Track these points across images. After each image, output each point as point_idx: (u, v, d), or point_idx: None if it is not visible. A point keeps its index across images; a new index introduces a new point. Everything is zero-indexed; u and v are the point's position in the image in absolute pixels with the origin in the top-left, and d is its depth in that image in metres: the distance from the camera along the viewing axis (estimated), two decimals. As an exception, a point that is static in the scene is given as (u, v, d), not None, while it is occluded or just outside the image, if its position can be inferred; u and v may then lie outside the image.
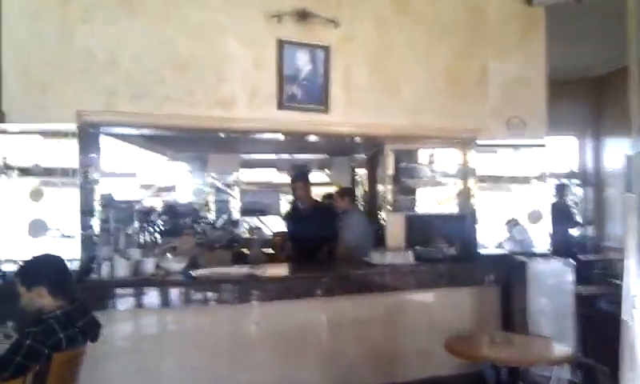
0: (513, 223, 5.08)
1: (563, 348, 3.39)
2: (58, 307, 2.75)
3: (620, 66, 7.23)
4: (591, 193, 9.40)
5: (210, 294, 4.16)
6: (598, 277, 7.28)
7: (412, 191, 5.62)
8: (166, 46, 4.23)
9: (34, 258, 2.90)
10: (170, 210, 7.53)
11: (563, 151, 9.49)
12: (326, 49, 4.57)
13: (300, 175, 5.78)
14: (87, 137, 4.19)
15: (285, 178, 10.64)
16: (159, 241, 6.28)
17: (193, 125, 4.41)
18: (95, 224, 4.36)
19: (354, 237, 5.60)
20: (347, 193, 6.28)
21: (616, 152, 8.58)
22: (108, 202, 4.69)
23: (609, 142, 9.07)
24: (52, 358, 2.59)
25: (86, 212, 4.12)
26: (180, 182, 9.31)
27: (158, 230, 6.65)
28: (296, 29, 4.50)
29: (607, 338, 3.90)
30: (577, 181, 9.58)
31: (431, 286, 4.84)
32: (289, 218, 6.18)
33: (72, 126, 3.98)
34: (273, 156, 8.99)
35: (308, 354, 4.42)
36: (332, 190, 9.06)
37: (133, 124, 4.36)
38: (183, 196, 9.12)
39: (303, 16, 4.45)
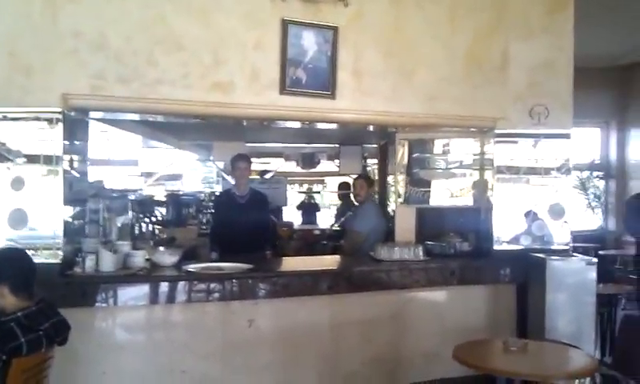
0: (532, 216, 4.73)
1: (587, 358, 3.03)
2: (20, 308, 2.48)
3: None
4: (614, 185, 9.08)
5: (203, 291, 3.86)
6: (618, 273, 6.97)
7: (424, 183, 5.29)
8: (159, 25, 3.92)
9: (-6, 252, 2.64)
10: (173, 199, 7.26)
11: (585, 142, 9.14)
12: (334, 29, 4.23)
13: (244, 158, 5.14)
14: (73, 122, 3.90)
15: (292, 167, 10.42)
16: (157, 232, 6.02)
17: (187, 110, 4.10)
18: (82, 215, 4.08)
19: (368, 229, 5.32)
20: (368, 180, 5.95)
21: (642, 143, 8.24)
22: (98, 190, 4.41)
23: (634, 133, 8.72)
24: (10, 364, 2.32)
25: (71, 201, 3.85)
26: (185, 170, 9.07)
27: (156, 220, 6.38)
28: (302, 7, 4.17)
29: (632, 343, 3.59)
30: (599, 173, 9.25)
31: (442, 284, 4.53)
32: (221, 205, 5.52)
33: (56, 111, 3.70)
34: (280, 145, 8.71)
35: (308, 355, 4.14)
36: (345, 179, 8.84)
37: (122, 108, 4.05)
38: (188, 185, 8.88)
39: (310, -7, 4.11)
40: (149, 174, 8.69)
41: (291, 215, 10.46)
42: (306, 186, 15.25)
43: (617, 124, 9.00)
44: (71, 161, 3.88)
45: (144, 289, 3.76)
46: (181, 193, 8.11)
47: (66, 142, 3.77)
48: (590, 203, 9.28)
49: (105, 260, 3.77)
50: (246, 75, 4.11)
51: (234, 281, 3.92)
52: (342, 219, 8.13)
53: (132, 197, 5.85)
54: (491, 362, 2.90)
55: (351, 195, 7.34)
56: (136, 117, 4.57)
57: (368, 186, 5.77)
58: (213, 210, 6.64)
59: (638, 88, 8.44)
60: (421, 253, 4.56)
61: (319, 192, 16.25)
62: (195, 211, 7.47)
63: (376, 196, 6.95)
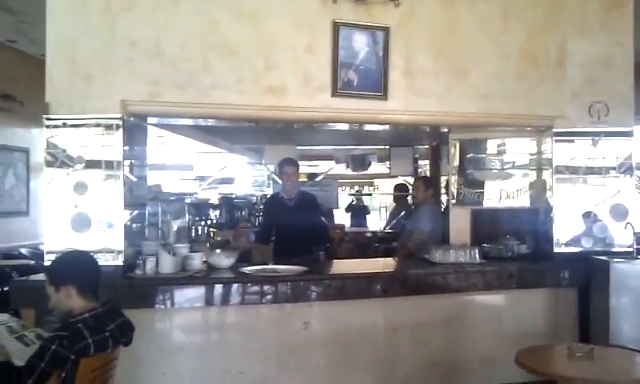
0: (592, 218, 4.56)
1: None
2: (88, 310, 2.56)
3: None
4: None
5: (259, 293, 3.91)
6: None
7: (479, 184, 5.16)
8: (212, 32, 3.98)
9: (62, 255, 2.75)
10: (226, 202, 7.38)
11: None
12: (386, 30, 4.19)
13: (292, 162, 5.11)
14: (132, 127, 4.02)
15: (343, 170, 10.39)
16: (213, 235, 6.12)
17: (241, 114, 4.15)
18: (141, 218, 4.20)
19: (430, 230, 5.28)
20: (428, 182, 5.90)
21: None
22: (156, 194, 4.53)
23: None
24: (79, 364, 2.40)
25: (131, 205, 3.95)
26: (237, 174, 9.19)
27: (211, 223, 6.49)
28: (352, 8, 4.14)
29: None
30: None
31: (499, 288, 4.43)
32: (270, 209, 5.47)
33: (116, 117, 3.81)
34: (331, 147, 8.71)
35: (362, 358, 4.11)
36: (400, 180, 8.75)
37: (178, 114, 4.16)
38: (240, 188, 9.00)
39: (361, -6, 4.09)
40: (202, 178, 8.85)
41: (340, 218, 10.44)
42: (355, 189, 15.19)
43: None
44: (131, 165, 3.99)
45: (201, 291, 3.83)
46: (233, 196, 8.23)
47: (126, 148, 3.87)
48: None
49: (164, 262, 3.85)
50: (298, 78, 4.12)
51: (288, 283, 3.95)
52: (394, 221, 8.06)
53: (188, 200, 5.97)
54: (556, 368, 2.79)
55: (409, 197, 7.27)
56: (191, 122, 4.66)
57: (427, 187, 5.74)
58: (262, 213, 6.69)
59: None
60: (477, 255, 4.46)
61: (370, 194, 16.16)
62: (247, 214, 7.56)
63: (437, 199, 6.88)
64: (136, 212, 4.11)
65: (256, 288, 3.89)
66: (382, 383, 4.12)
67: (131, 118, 3.96)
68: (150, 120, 4.39)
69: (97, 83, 3.81)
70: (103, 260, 3.63)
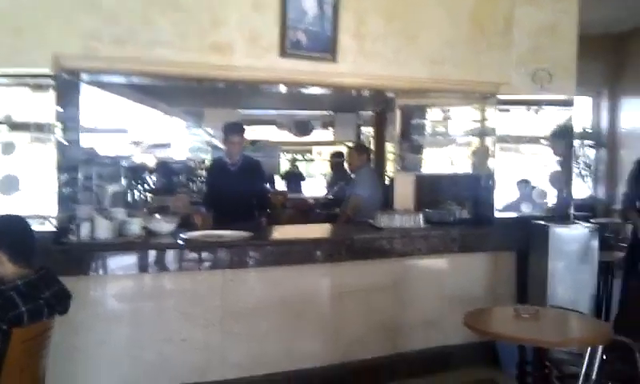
0: (525, 184, 4.69)
1: (600, 325, 3.00)
2: (20, 276, 2.37)
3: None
4: (604, 154, 9.08)
5: (202, 259, 3.76)
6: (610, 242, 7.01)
7: (423, 150, 5.19)
8: (155, -17, 3.74)
9: (-10, 218, 2.51)
10: (163, 167, 7.11)
11: (577, 111, 9.09)
12: (336, -10, 4.07)
13: (239, 128, 4.95)
14: (65, 85, 3.72)
15: (286, 136, 10.26)
16: (150, 200, 5.89)
17: (184, 73, 3.94)
18: (75, 182, 3.94)
19: (367, 195, 5.32)
20: (362, 149, 5.93)
21: (634, 112, 8.20)
22: (91, 157, 4.27)
23: (626, 102, 8.69)
24: (11, 334, 2.22)
25: (64, 168, 3.69)
26: (175, 138, 8.88)
27: (148, 188, 6.24)
28: (302, -33, 3.99)
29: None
30: (589, 142, 9.24)
31: (442, 252, 4.49)
32: (213, 174, 5.37)
33: (47, 72, 3.51)
34: (273, 112, 8.53)
35: (308, 324, 4.08)
36: (339, 148, 8.72)
37: (116, 71, 3.88)
38: (179, 153, 8.71)
39: (311, -49, 3.95)
40: (138, 143, 8.48)
41: (279, 185, 10.37)
42: (294, 155, 15.14)
43: (609, 93, 8.94)
44: (64, 126, 3.71)
45: (141, 257, 3.64)
46: (171, 161, 7.93)
47: (59, 108, 3.59)
48: (580, 172, 9.29)
49: (101, 227, 3.65)
50: (245, 37, 3.94)
51: (232, 249, 3.83)
52: (336, 188, 8.05)
53: (124, 164, 5.69)
54: (504, 329, 2.84)
55: (345, 164, 7.27)
56: (130, 80, 4.39)
57: (360, 154, 5.80)
58: (205, 179, 6.51)
59: (632, 57, 8.35)
60: (421, 221, 4.50)
61: (312, 160, 16.16)
62: (186, 179, 7.32)
63: (371, 165, 6.87)
64: (69, 175, 3.85)
65: (200, 254, 3.74)
66: (329, 347, 4.10)
67: (64, 75, 3.67)
68: (85, 77, 4.09)
69: (27, 36, 3.49)
70: (35, 225, 3.38)
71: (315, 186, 13.61)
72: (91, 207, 3.90)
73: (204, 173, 7.80)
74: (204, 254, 3.75)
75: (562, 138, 4.74)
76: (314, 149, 16.65)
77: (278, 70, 4.04)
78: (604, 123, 9.09)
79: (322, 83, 4.38)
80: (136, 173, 6.14)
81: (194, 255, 3.74)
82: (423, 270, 4.46)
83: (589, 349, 2.75)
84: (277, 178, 9.96)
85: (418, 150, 5.16)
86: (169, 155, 8.60)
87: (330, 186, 8.73)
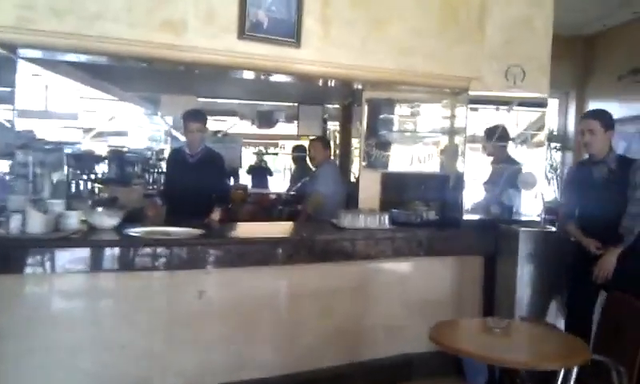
0: (491, 187, 4.49)
1: (578, 344, 2.77)
2: None
3: (612, 25, 6.74)
4: (570, 157, 9.05)
5: (148, 258, 3.40)
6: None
7: (390, 147, 4.94)
8: (99, -50, 3.37)
9: None
10: (116, 156, 6.67)
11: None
12: (301, -30, 3.77)
13: (198, 116, 4.64)
14: (-2, 60, 3.35)
15: (248, 128, 9.92)
16: (98, 191, 5.48)
17: (130, 51, 3.56)
18: (8, 168, 3.55)
19: (329, 192, 5.13)
20: (325, 143, 5.71)
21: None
22: (27, 141, 3.86)
23: (593, 105, 8.64)
24: None
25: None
26: (132, 126, 8.43)
27: (96, 178, 5.82)
28: (265, -57, 3.68)
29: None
30: (556, 144, 9.19)
31: (408, 255, 4.23)
32: (171, 165, 5.08)
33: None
34: (235, 101, 8.17)
35: (262, 330, 3.77)
36: (301, 142, 8.42)
37: (54, 46, 3.48)
38: (136, 142, 8.27)
39: None
40: (90, 130, 8.00)
41: (242, 179, 10.03)
42: (259, 149, 14.78)
43: (576, 95, 8.89)
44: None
45: (79, 254, 3.26)
46: (125, 149, 7.49)
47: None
48: (545, 175, 9.22)
49: (33, 220, 3.26)
50: (200, 14, 3.62)
51: (182, 248, 3.49)
52: (299, 184, 7.76)
53: (68, 151, 5.26)
54: (474, 346, 2.59)
55: (307, 158, 7.00)
56: (71, 57, 3.99)
57: (324, 148, 5.60)
58: (164, 170, 6.14)
59: (600, 59, 8.31)
60: (386, 221, 4.25)
61: (276, 154, 15.82)
62: (141, 170, 6.91)
63: (336, 160, 6.63)
64: (1, 161, 3.46)
65: (144, 252, 3.38)
66: (284, 355, 3.81)
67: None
68: (23, 53, 3.70)
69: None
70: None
71: (281, 182, 13.28)
72: (25, 198, 3.50)
73: (162, 164, 7.43)
74: (149, 252, 3.40)
75: (535, 139, 4.55)
76: (279, 142, 16.30)
77: (235, 53, 3.73)
78: (571, 126, 9.06)
79: (284, 70, 4.06)
80: (83, 161, 5.71)
81: (137, 253, 3.38)
82: (387, 274, 4.22)
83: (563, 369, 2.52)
84: (242, 173, 9.63)
85: (385, 146, 4.90)
86: (124, 144, 8.15)
87: (293, 181, 8.44)
